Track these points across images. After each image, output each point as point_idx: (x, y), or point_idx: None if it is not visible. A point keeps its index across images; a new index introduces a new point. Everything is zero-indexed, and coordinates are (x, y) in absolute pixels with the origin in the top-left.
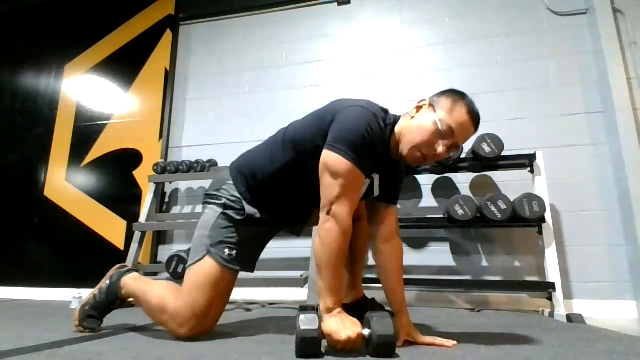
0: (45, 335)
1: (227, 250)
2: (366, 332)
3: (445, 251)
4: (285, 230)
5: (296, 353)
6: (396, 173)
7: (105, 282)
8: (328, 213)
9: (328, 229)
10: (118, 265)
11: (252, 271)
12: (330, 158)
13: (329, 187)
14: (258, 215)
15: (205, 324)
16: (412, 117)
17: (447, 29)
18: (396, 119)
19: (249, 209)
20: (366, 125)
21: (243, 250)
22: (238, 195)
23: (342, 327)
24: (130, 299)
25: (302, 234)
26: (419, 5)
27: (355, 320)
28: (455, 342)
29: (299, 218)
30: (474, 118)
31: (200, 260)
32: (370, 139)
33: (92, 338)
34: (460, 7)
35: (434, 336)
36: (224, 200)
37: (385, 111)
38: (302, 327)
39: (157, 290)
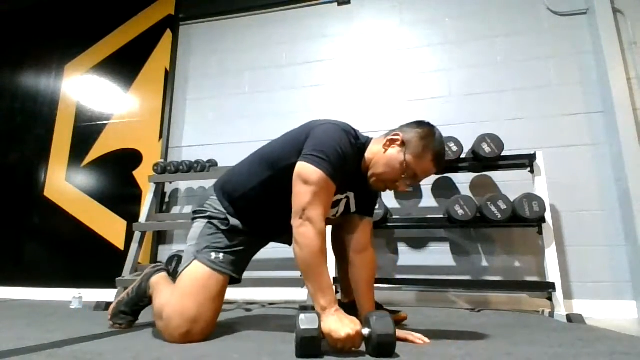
0: (45, 335)
1: (213, 254)
2: (366, 331)
3: (445, 251)
4: (275, 241)
5: (296, 353)
6: (370, 190)
7: (138, 280)
8: (301, 217)
9: (303, 232)
10: (152, 265)
11: (240, 278)
12: (303, 168)
13: (301, 194)
14: (241, 227)
15: (196, 330)
16: (385, 151)
17: (447, 29)
18: (367, 141)
19: (233, 221)
20: (338, 140)
21: (230, 255)
22: (222, 209)
23: (341, 325)
24: None
25: None
26: (419, 6)
27: (353, 318)
28: (428, 341)
29: (280, 231)
30: (439, 163)
31: (188, 265)
32: (343, 153)
33: (92, 338)
34: (460, 7)
35: (410, 332)
36: (208, 213)
37: (356, 131)
38: (302, 327)
39: (163, 296)
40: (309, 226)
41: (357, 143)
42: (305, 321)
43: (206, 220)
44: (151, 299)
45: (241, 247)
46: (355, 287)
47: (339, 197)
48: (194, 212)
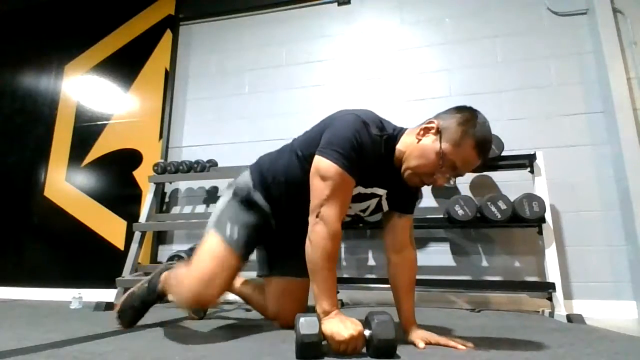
0: (45, 335)
1: (228, 227)
2: (367, 332)
3: (445, 251)
4: (284, 238)
5: (296, 354)
6: (406, 186)
7: (151, 274)
8: (317, 216)
9: (317, 231)
10: (167, 262)
11: (246, 261)
12: (319, 162)
13: (318, 190)
14: (261, 202)
15: (208, 293)
16: (418, 141)
17: (447, 29)
18: (400, 132)
19: (255, 195)
20: (354, 131)
21: (244, 231)
22: (248, 180)
23: (344, 327)
24: (166, 295)
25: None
26: (419, 5)
27: (354, 320)
28: (471, 345)
29: (296, 222)
30: (481, 151)
31: (206, 236)
32: (359, 146)
33: (92, 338)
34: (460, 7)
35: (451, 338)
36: (234, 188)
37: (384, 122)
38: (302, 332)
39: (179, 270)
40: (323, 226)
41: (383, 134)
42: (306, 325)
43: (231, 195)
44: (160, 295)
45: (253, 228)
46: (394, 289)
47: (362, 190)
48: (228, 186)
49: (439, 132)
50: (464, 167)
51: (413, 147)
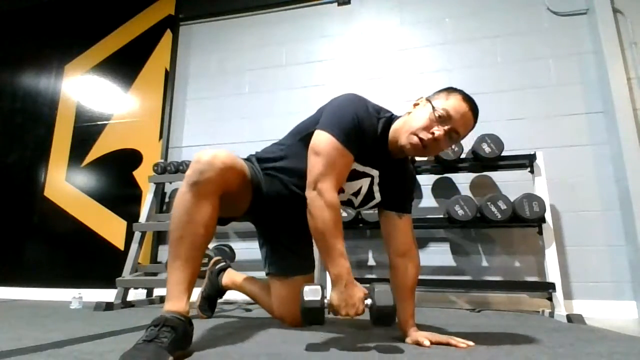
0: (45, 335)
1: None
2: (368, 301)
3: (445, 251)
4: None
5: (301, 320)
6: (400, 175)
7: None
8: (314, 189)
9: (315, 205)
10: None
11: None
12: (316, 137)
13: (314, 164)
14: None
15: (219, 156)
16: (409, 113)
17: (447, 29)
18: (394, 117)
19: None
20: (354, 107)
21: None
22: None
23: (344, 304)
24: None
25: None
26: (419, 5)
27: (358, 290)
28: (472, 344)
29: (296, 214)
30: (471, 105)
31: None
32: (358, 122)
33: (92, 338)
34: (460, 7)
35: (451, 336)
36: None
37: (380, 107)
38: (306, 298)
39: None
40: (320, 199)
41: (380, 115)
42: (309, 292)
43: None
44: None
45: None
46: (396, 292)
47: (357, 166)
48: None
49: (428, 100)
50: (458, 118)
51: (407, 118)
